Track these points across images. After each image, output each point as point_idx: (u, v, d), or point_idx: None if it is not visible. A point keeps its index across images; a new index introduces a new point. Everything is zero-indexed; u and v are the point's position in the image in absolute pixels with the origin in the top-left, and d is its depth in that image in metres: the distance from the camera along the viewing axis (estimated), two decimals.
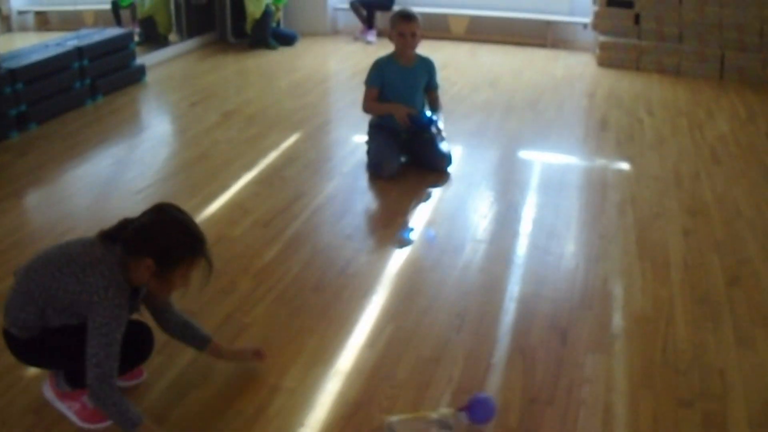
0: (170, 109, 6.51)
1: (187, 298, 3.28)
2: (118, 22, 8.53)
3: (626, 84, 7.19)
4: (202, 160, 5.05)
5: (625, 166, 5.09)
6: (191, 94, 6.70)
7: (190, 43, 8.56)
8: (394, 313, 3.24)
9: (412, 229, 4.06)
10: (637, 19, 7.95)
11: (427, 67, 4.93)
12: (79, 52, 6.17)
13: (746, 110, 6.37)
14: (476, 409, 2.57)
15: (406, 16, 4.75)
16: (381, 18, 8.93)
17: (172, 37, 8.49)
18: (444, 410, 2.63)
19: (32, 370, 2.74)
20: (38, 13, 9.07)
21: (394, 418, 2.62)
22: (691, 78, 7.51)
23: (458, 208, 4.35)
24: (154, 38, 8.36)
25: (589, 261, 3.73)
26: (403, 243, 3.90)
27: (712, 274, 3.65)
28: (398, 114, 4.76)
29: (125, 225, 2.47)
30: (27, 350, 2.56)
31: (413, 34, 4.73)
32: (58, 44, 6.25)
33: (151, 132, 5.90)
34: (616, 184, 4.70)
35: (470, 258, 3.74)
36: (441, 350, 2.98)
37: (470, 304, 3.31)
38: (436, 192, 4.60)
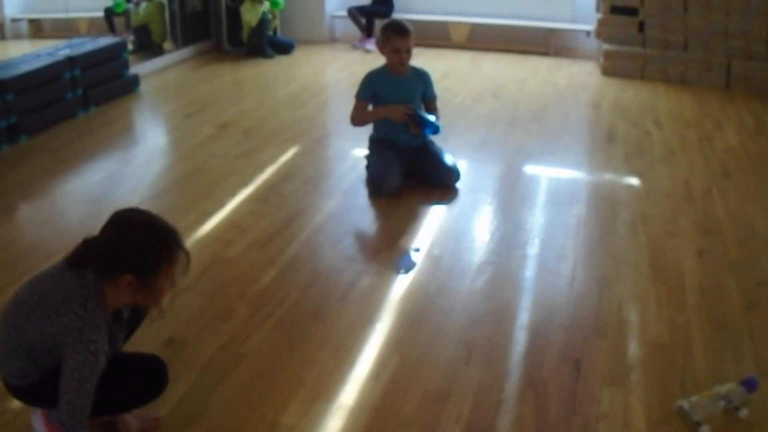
0: (164, 120, 6.36)
1: (180, 326, 3.18)
2: (112, 30, 8.40)
3: (631, 94, 7.06)
4: (197, 175, 4.89)
5: (634, 181, 4.93)
6: (186, 104, 6.55)
7: (185, 52, 8.42)
8: (399, 343, 3.08)
9: (418, 249, 3.91)
10: (641, 26, 7.82)
11: (421, 78, 4.77)
12: (70, 61, 6.03)
13: (754, 121, 6.24)
14: (751, 382, 2.78)
15: (401, 31, 4.55)
16: (380, 26, 8.79)
17: (167, 45, 8.35)
18: (729, 385, 2.77)
19: (18, 403, 2.57)
20: (32, 21, 8.95)
21: (684, 402, 2.71)
22: (697, 87, 7.38)
23: (464, 228, 4.20)
24: (148, 47, 8.23)
25: (601, 285, 3.58)
26: (407, 267, 3.72)
27: (729, 298, 3.49)
28: (394, 114, 4.62)
29: (89, 246, 2.33)
30: (30, 395, 2.43)
31: (408, 50, 4.57)
32: (49, 54, 6.12)
33: (145, 145, 5.75)
34: (627, 201, 4.55)
35: (478, 282, 3.58)
36: (449, 384, 2.82)
37: (479, 334, 3.14)
38: (440, 210, 4.44)
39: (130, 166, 5.13)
